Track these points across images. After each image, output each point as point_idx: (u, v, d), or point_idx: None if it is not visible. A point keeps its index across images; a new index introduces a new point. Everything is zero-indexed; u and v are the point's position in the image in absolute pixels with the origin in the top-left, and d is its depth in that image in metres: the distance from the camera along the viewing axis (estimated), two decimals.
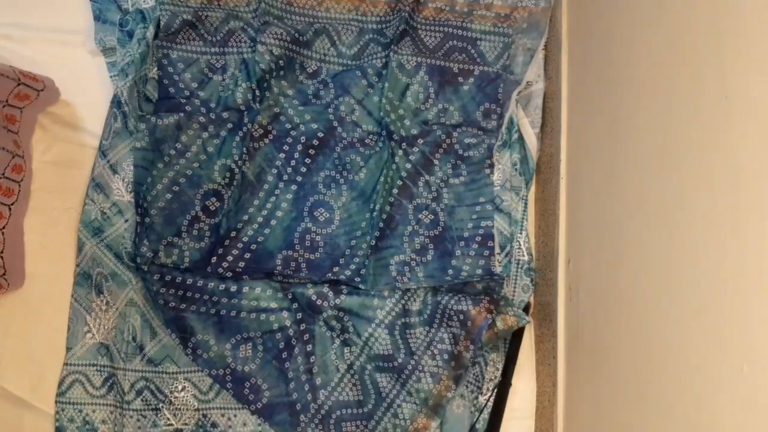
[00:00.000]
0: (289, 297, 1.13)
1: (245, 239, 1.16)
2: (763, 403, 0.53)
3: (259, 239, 1.16)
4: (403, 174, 1.18)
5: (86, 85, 1.22)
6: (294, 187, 1.18)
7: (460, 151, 1.19)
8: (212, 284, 1.13)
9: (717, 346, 0.60)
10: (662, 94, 0.75)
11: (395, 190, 1.18)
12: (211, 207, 1.17)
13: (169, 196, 1.17)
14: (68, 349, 1.14)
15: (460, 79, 1.21)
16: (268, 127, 1.19)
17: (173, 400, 1.13)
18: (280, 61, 1.20)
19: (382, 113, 1.21)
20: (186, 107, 1.19)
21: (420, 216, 1.17)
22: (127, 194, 1.16)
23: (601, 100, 0.96)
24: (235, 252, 1.15)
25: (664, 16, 0.76)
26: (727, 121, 0.60)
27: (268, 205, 1.18)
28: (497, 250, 1.15)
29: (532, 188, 1.20)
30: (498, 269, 1.14)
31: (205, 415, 1.13)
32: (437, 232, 1.16)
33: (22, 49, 1.23)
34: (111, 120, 1.15)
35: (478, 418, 1.11)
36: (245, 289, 1.13)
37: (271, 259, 1.15)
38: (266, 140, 1.19)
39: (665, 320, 0.71)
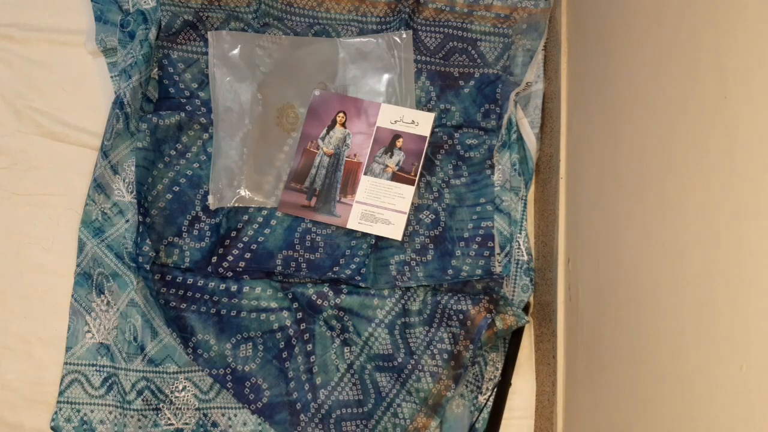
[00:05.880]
0: (290, 296, 1.13)
1: (245, 239, 1.16)
2: (763, 403, 0.53)
3: (259, 239, 1.16)
4: None
5: (87, 85, 1.22)
6: None
7: (462, 152, 1.19)
8: (213, 284, 1.13)
9: (716, 346, 0.61)
10: (661, 94, 0.75)
11: None
12: (211, 207, 1.17)
13: (169, 196, 1.17)
14: (68, 348, 1.14)
15: (461, 83, 1.21)
16: None
17: (174, 399, 1.13)
18: None
19: None
20: (186, 107, 1.19)
21: (421, 216, 1.17)
22: (128, 194, 1.17)
23: (601, 100, 0.96)
24: (235, 252, 1.15)
25: (664, 16, 0.76)
26: (727, 121, 0.60)
27: (269, 205, 1.18)
28: (497, 250, 1.16)
29: (532, 188, 1.20)
30: (498, 269, 1.14)
31: (205, 415, 1.13)
32: (437, 232, 1.16)
33: (22, 49, 1.23)
34: (113, 120, 1.15)
35: (477, 418, 1.12)
36: (246, 289, 1.13)
37: (271, 258, 1.15)
38: None
39: (664, 319, 0.71)
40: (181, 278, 1.13)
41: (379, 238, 1.16)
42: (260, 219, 1.17)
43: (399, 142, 1.18)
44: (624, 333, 0.83)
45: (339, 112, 1.20)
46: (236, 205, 1.17)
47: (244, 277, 1.14)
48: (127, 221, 1.16)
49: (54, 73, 1.23)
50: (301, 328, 1.13)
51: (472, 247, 1.15)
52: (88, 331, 1.14)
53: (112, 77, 1.21)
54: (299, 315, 1.13)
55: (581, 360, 0.98)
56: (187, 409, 1.13)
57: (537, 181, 1.21)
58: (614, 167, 0.89)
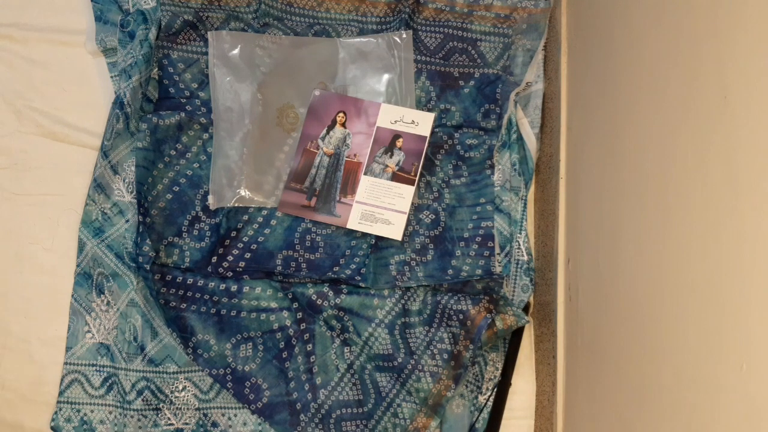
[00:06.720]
0: (290, 296, 1.13)
1: (245, 239, 1.16)
2: (763, 403, 0.54)
3: (259, 239, 1.16)
4: None
5: (86, 85, 1.22)
6: None
7: (462, 152, 1.19)
8: (213, 284, 1.13)
9: (716, 345, 0.61)
10: (661, 94, 0.75)
11: None
12: (211, 207, 1.17)
13: (169, 196, 1.17)
14: (68, 348, 1.14)
15: (461, 83, 1.21)
16: None
17: (174, 399, 1.13)
18: None
19: None
20: (186, 107, 1.19)
21: (421, 216, 1.17)
22: (128, 194, 1.17)
23: (601, 100, 0.96)
24: (235, 252, 1.15)
25: (664, 16, 0.76)
26: (726, 122, 0.60)
27: (269, 205, 1.18)
28: (497, 250, 1.16)
29: (532, 188, 1.21)
30: (498, 269, 1.14)
31: (205, 415, 1.13)
32: (437, 232, 1.16)
33: (22, 49, 1.23)
34: (113, 120, 1.15)
35: (477, 418, 1.12)
36: (246, 289, 1.13)
37: (271, 258, 1.15)
38: None
39: (664, 319, 0.71)
40: (181, 278, 1.13)
41: (379, 238, 1.16)
42: (260, 219, 1.17)
43: (399, 142, 1.18)
44: (624, 333, 0.83)
45: (339, 112, 1.20)
46: (236, 205, 1.17)
47: (244, 277, 1.14)
48: (127, 221, 1.16)
49: (54, 73, 1.23)
50: (301, 328, 1.13)
51: (472, 247, 1.15)
52: (88, 331, 1.14)
53: (112, 77, 1.21)
54: (299, 315, 1.13)
55: (581, 360, 0.98)
56: (187, 409, 1.13)
57: (537, 181, 1.21)
58: (614, 167, 0.89)
